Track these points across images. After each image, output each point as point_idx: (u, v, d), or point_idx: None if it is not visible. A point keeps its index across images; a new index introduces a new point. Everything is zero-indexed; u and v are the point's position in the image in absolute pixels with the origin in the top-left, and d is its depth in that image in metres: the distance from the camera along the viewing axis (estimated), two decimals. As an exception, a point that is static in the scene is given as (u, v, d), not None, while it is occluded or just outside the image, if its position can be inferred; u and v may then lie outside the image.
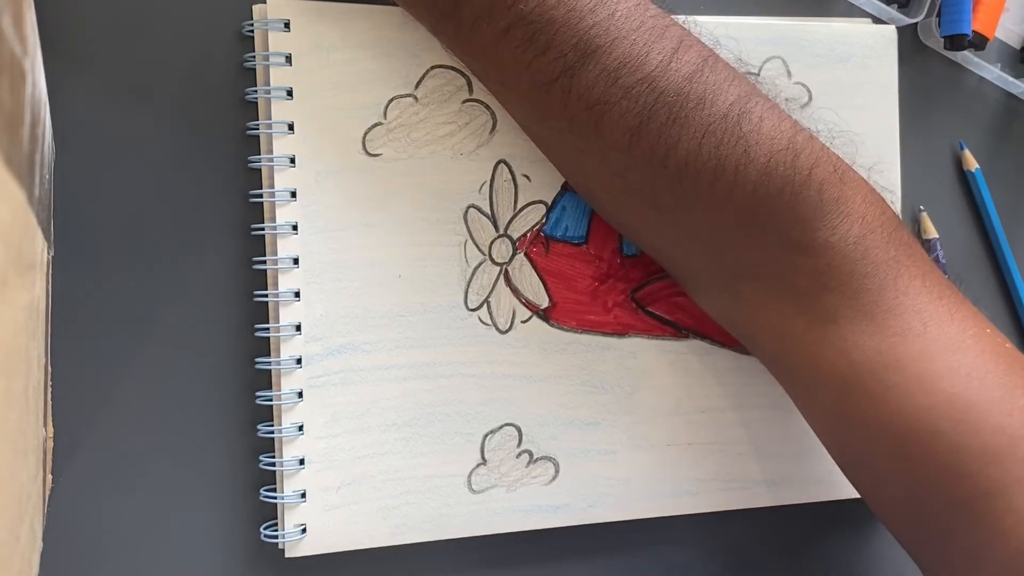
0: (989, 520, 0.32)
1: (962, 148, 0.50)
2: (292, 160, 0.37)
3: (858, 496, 0.45)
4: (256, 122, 0.37)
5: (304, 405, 0.37)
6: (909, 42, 0.48)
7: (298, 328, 0.37)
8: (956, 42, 0.47)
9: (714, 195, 0.32)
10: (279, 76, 0.37)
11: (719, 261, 0.35)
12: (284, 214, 0.37)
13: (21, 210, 0.24)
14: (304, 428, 0.37)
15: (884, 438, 0.33)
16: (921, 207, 0.49)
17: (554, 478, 0.40)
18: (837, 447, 0.37)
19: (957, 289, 0.35)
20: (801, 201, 0.32)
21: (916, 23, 0.48)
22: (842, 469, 0.37)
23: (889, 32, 0.46)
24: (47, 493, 0.35)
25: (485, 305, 0.39)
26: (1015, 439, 0.32)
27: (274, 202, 0.37)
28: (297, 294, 0.37)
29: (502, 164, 0.39)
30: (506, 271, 0.40)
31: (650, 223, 0.35)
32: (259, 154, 0.37)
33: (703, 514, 0.43)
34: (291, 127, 0.37)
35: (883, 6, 0.47)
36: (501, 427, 0.40)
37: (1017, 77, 0.51)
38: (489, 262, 0.40)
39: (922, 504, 0.34)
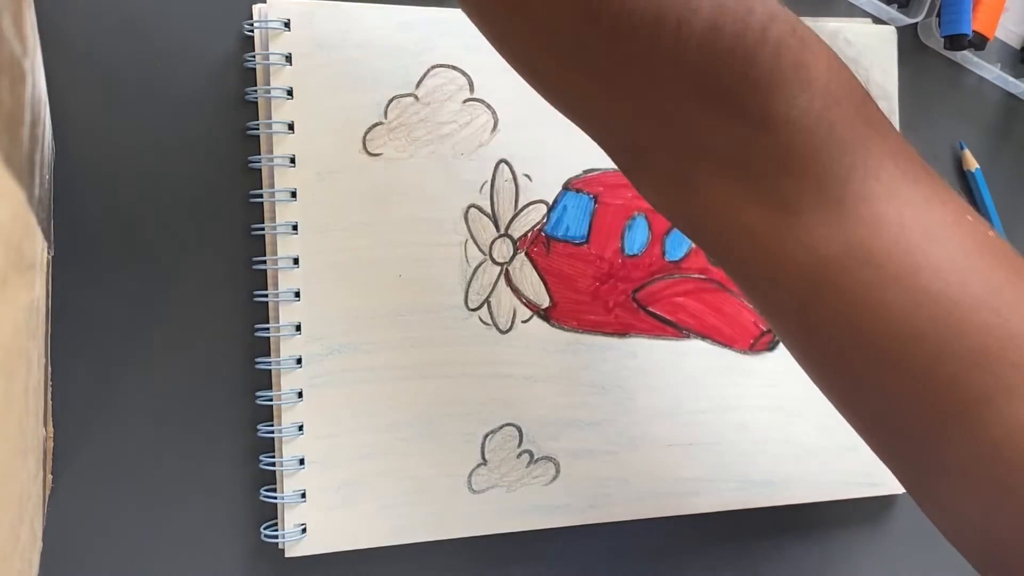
0: (977, 432, 0.28)
1: (962, 148, 0.50)
2: (292, 160, 0.37)
3: (858, 497, 0.45)
4: (256, 122, 0.37)
5: (304, 405, 0.37)
6: (909, 42, 0.48)
7: (298, 328, 0.37)
8: (956, 42, 0.47)
9: (655, 56, 0.28)
10: (279, 76, 0.37)
11: (665, 139, 0.30)
12: (284, 214, 0.37)
13: (21, 210, 0.24)
14: (304, 428, 0.37)
15: (859, 343, 0.30)
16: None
17: (554, 478, 0.40)
18: (805, 354, 0.33)
19: (933, 170, 0.31)
20: (755, 65, 0.28)
21: (916, 23, 0.48)
22: (812, 378, 0.34)
23: (889, 32, 0.46)
24: (47, 493, 0.35)
25: (486, 305, 0.39)
26: (1003, 340, 0.28)
27: (274, 202, 0.37)
28: (297, 294, 0.37)
29: (503, 164, 0.39)
30: (507, 271, 0.40)
31: (589, 96, 0.31)
32: (259, 154, 0.37)
33: (703, 514, 0.43)
34: (291, 127, 0.37)
35: (883, 6, 0.47)
36: (501, 427, 0.40)
37: (1017, 77, 0.51)
38: (490, 262, 0.40)
39: (902, 416, 0.30)
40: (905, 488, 0.33)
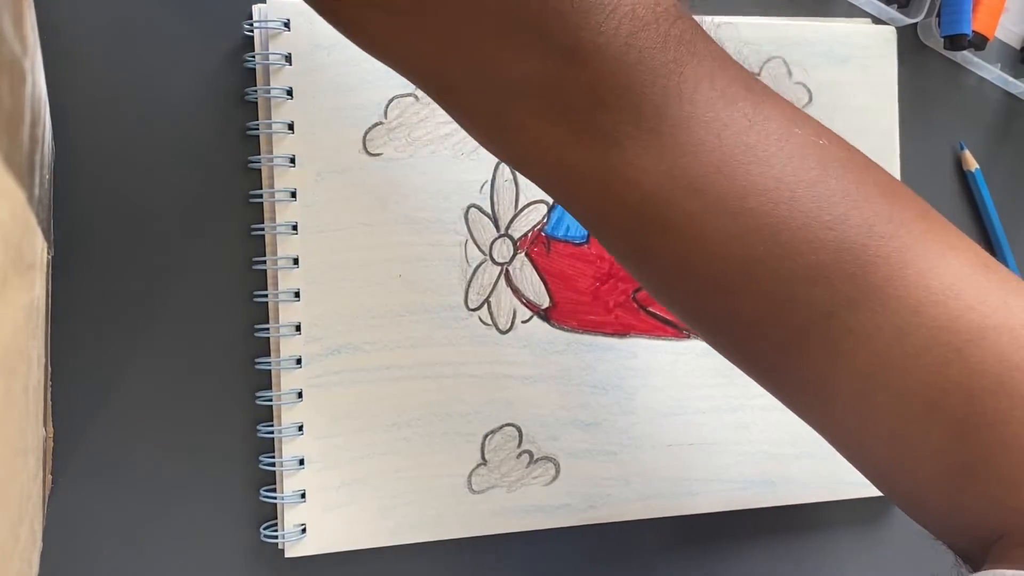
0: (828, 346, 0.28)
1: (962, 148, 0.50)
2: (292, 160, 0.37)
3: (859, 497, 0.45)
4: (256, 122, 0.37)
5: (304, 405, 0.37)
6: (909, 42, 0.48)
7: (298, 328, 0.37)
8: (956, 42, 0.47)
9: None
10: (279, 76, 0.36)
11: (475, 77, 0.29)
12: (284, 214, 0.37)
13: (21, 210, 0.24)
14: (304, 428, 0.37)
15: (696, 274, 0.29)
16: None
17: (554, 478, 0.40)
18: (652, 289, 0.32)
19: (756, 80, 0.30)
20: None
21: (916, 23, 0.48)
22: (665, 307, 0.33)
23: (889, 32, 0.46)
24: (47, 493, 0.35)
25: (486, 305, 0.39)
26: (838, 253, 0.28)
27: (274, 202, 0.37)
28: (297, 294, 0.37)
29: (503, 164, 0.39)
30: (507, 271, 0.40)
31: (391, 32, 0.29)
32: (259, 154, 0.37)
33: (703, 514, 0.43)
34: (291, 127, 0.37)
35: (883, 6, 0.47)
36: (501, 427, 0.40)
37: (1017, 77, 0.51)
38: (490, 262, 0.40)
39: (754, 338, 0.30)
40: (784, 404, 0.32)
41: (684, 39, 0.28)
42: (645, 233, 0.29)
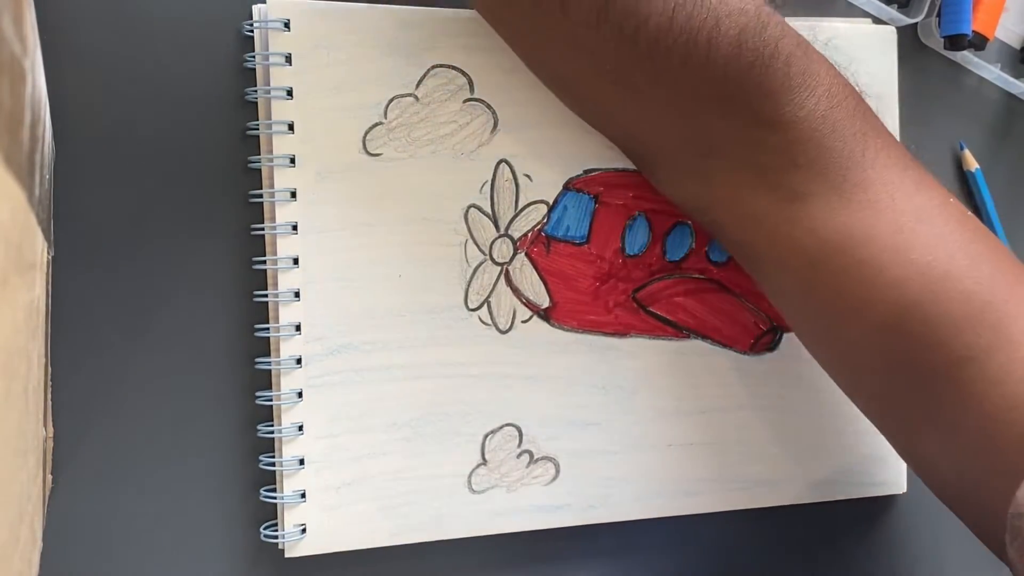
0: (962, 388, 0.32)
1: (962, 148, 0.50)
2: (292, 160, 0.37)
3: (859, 497, 0.45)
4: (256, 122, 0.37)
5: (304, 405, 0.37)
6: (909, 42, 0.48)
7: (298, 328, 0.37)
8: (956, 42, 0.47)
9: (686, 72, 0.32)
10: (279, 76, 0.36)
11: (687, 140, 0.34)
12: (284, 214, 0.37)
13: (21, 210, 0.24)
14: (304, 428, 0.37)
15: (857, 314, 0.33)
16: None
17: (554, 478, 0.40)
18: (808, 329, 0.36)
19: (918, 161, 0.35)
20: (770, 76, 0.31)
21: (916, 23, 0.48)
22: (812, 352, 0.37)
23: (889, 32, 0.46)
24: (47, 493, 0.35)
25: (485, 305, 0.39)
26: (984, 305, 0.32)
27: (274, 202, 0.37)
28: (297, 294, 0.37)
29: (503, 163, 0.39)
30: (507, 271, 0.40)
31: (620, 105, 0.34)
32: (259, 154, 0.37)
33: (703, 514, 0.43)
34: (291, 127, 0.37)
35: (883, 6, 0.47)
36: (501, 427, 0.40)
37: (1017, 77, 0.51)
38: (490, 262, 0.40)
39: (896, 377, 0.34)
40: (894, 447, 0.37)
41: (868, 116, 0.34)
42: (817, 276, 0.33)
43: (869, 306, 0.33)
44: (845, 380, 0.37)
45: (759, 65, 0.31)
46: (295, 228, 0.37)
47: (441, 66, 0.38)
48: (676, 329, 0.42)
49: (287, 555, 0.37)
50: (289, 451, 0.37)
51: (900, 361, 0.33)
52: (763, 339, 0.43)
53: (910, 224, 0.32)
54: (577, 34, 0.32)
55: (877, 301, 0.32)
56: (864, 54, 0.45)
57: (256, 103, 0.37)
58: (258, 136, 0.37)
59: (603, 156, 0.40)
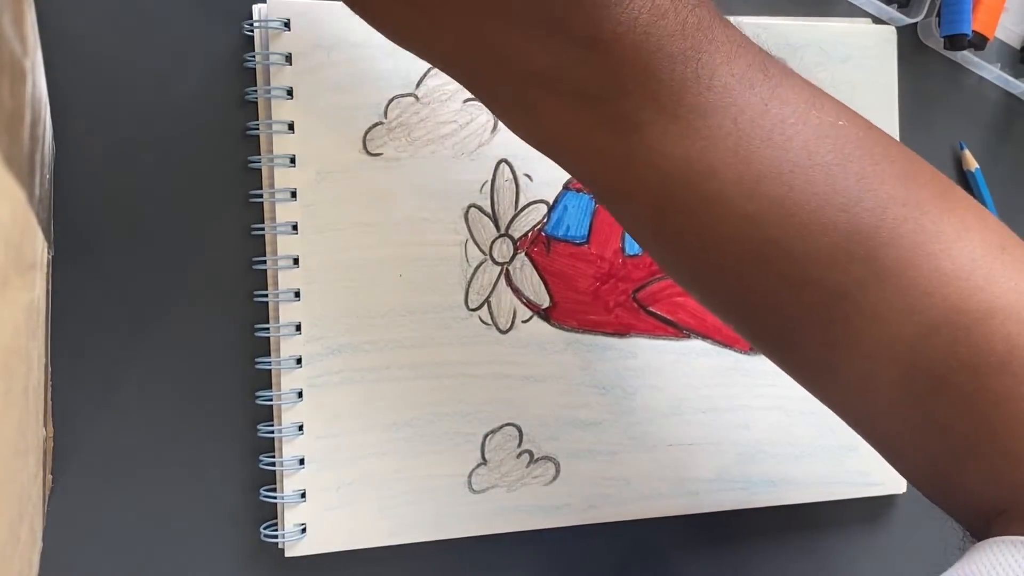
0: (837, 326, 0.29)
1: (962, 148, 0.50)
2: (292, 160, 0.37)
3: (858, 496, 0.45)
4: (256, 122, 0.37)
5: (304, 405, 0.37)
6: (909, 42, 0.48)
7: (298, 328, 0.37)
8: (956, 42, 0.47)
9: None
10: (279, 76, 0.36)
11: (503, 67, 0.30)
12: (284, 214, 0.37)
13: (21, 210, 0.24)
14: (304, 428, 0.37)
15: (712, 254, 0.30)
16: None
17: (554, 478, 0.40)
18: (666, 266, 0.33)
19: (775, 63, 0.30)
20: None
21: (916, 23, 0.48)
22: (680, 286, 0.34)
23: (889, 32, 0.46)
24: (47, 493, 0.35)
25: (486, 305, 0.39)
26: (851, 235, 0.28)
27: (274, 202, 0.37)
28: (297, 294, 0.37)
29: (503, 163, 0.39)
30: (507, 271, 0.40)
31: (416, 25, 0.30)
32: (259, 154, 0.37)
33: (703, 514, 0.43)
34: (291, 127, 0.37)
35: (883, 6, 0.47)
36: (501, 427, 0.40)
37: (1017, 77, 0.51)
38: (490, 262, 0.40)
39: (766, 317, 0.31)
40: (795, 380, 0.33)
41: (702, 26, 0.29)
42: (663, 213, 0.30)
43: (723, 245, 0.29)
44: (723, 319, 0.34)
45: None
46: (295, 228, 0.37)
47: (441, 66, 0.38)
48: (676, 329, 0.42)
49: (287, 555, 0.37)
50: (289, 451, 0.37)
51: (766, 304, 0.30)
52: (763, 339, 0.43)
53: (759, 150, 0.28)
54: None
55: (730, 239, 0.29)
56: (864, 54, 0.45)
57: (256, 103, 0.37)
58: (258, 136, 0.37)
59: (603, 156, 0.40)
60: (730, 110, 0.29)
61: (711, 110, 0.29)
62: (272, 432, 0.37)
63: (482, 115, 0.39)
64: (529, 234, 0.40)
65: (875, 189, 0.29)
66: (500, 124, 0.39)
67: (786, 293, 0.29)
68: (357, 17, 0.38)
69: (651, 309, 0.42)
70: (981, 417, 0.28)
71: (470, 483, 0.39)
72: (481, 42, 0.29)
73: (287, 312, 0.37)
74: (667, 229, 0.30)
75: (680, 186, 0.29)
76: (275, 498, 0.37)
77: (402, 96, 0.38)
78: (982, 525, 0.29)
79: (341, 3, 0.37)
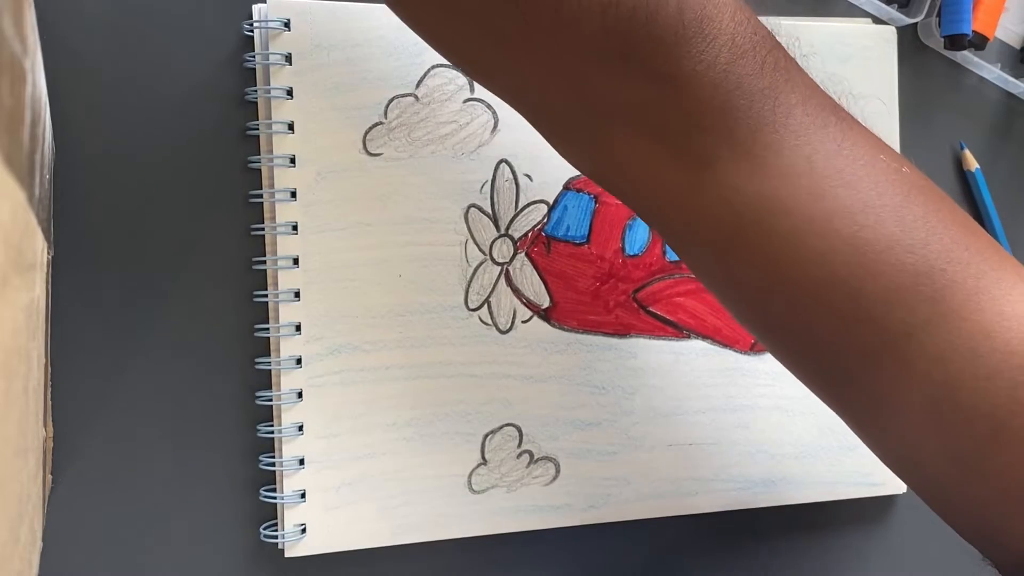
0: (900, 367, 0.29)
1: (962, 148, 0.50)
2: (292, 160, 0.37)
3: (858, 497, 0.45)
4: (256, 122, 0.37)
5: (304, 405, 0.37)
6: (909, 42, 0.48)
7: (298, 328, 0.37)
8: (956, 42, 0.47)
9: (560, 21, 0.28)
10: (279, 76, 0.36)
11: (578, 101, 0.30)
12: (284, 214, 0.37)
13: (21, 210, 0.24)
14: (304, 428, 0.37)
15: (779, 291, 0.30)
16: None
17: (554, 478, 0.40)
18: (730, 303, 0.33)
19: (845, 111, 0.31)
20: (658, 24, 0.28)
21: (916, 23, 0.48)
22: (741, 324, 0.34)
23: (889, 32, 0.46)
24: (47, 493, 0.35)
25: (486, 305, 0.39)
26: (918, 276, 0.29)
27: (274, 202, 0.37)
28: (297, 294, 0.37)
29: (503, 163, 0.39)
30: (507, 271, 0.40)
31: (498, 59, 0.31)
32: (259, 154, 0.37)
33: (703, 514, 0.43)
34: (291, 127, 0.37)
35: (883, 6, 0.47)
36: (501, 427, 0.40)
37: (1017, 77, 0.51)
38: (490, 262, 0.40)
39: (828, 354, 0.31)
40: (845, 422, 0.33)
41: (779, 66, 0.30)
42: (733, 250, 0.30)
43: (791, 282, 0.30)
44: (782, 358, 0.34)
45: (643, 13, 0.28)
46: (295, 228, 0.37)
47: (441, 66, 0.38)
48: (676, 329, 0.42)
49: (287, 555, 0.37)
50: (289, 451, 0.37)
51: (832, 341, 0.30)
52: (763, 339, 0.43)
53: (831, 189, 0.29)
54: None
55: (800, 278, 0.29)
56: (864, 54, 0.45)
57: (256, 103, 0.37)
58: (258, 136, 0.37)
59: (603, 156, 0.40)
60: (804, 149, 0.29)
61: (786, 148, 0.29)
62: (272, 432, 0.37)
63: (482, 115, 0.39)
64: (529, 234, 0.40)
65: (940, 233, 0.29)
66: (500, 124, 0.39)
67: (852, 332, 0.30)
68: (357, 17, 0.38)
69: (651, 309, 0.42)
70: None
71: (470, 483, 0.39)
72: (561, 77, 0.29)
73: (287, 312, 0.37)
74: (736, 266, 0.31)
75: (752, 223, 0.29)
76: (275, 498, 0.37)
77: (402, 96, 0.38)
78: None
79: (341, 4, 0.37)
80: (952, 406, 0.29)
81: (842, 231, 0.29)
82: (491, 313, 0.40)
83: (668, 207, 0.31)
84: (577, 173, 0.40)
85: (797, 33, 0.44)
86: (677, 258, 0.42)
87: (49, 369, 0.35)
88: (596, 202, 0.41)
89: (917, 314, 0.29)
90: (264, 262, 0.37)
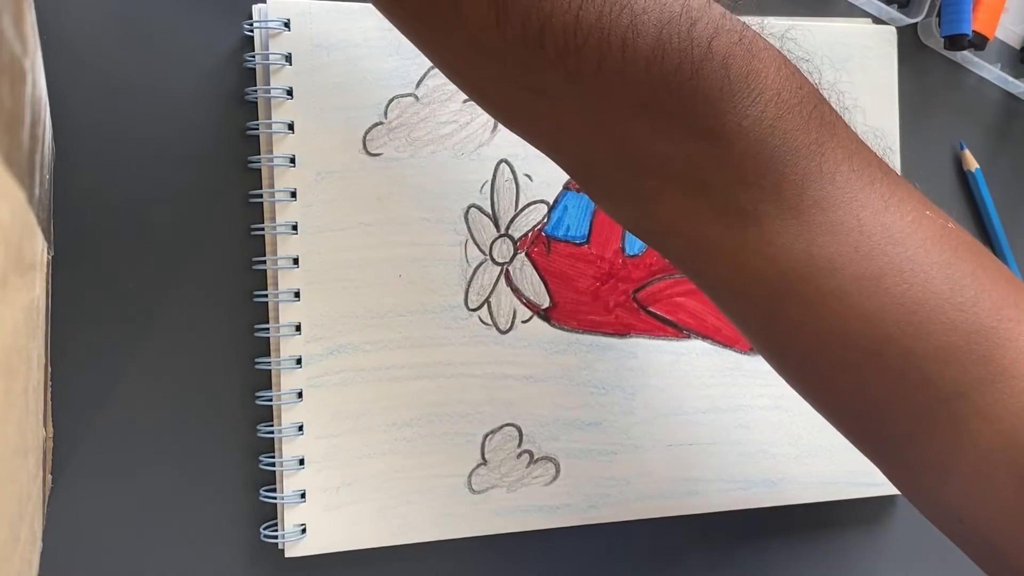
0: (953, 426, 0.29)
1: (962, 148, 0.50)
2: (292, 160, 0.37)
3: (858, 497, 0.45)
4: (256, 122, 0.37)
5: (304, 405, 0.37)
6: (909, 42, 0.48)
7: (298, 328, 0.37)
8: (956, 42, 0.47)
9: (602, 76, 0.28)
10: (279, 76, 0.37)
11: (620, 156, 0.30)
12: (284, 214, 0.37)
13: (21, 210, 0.24)
14: (304, 428, 0.37)
15: (828, 351, 0.30)
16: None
17: (554, 478, 0.40)
18: (777, 362, 0.33)
19: (890, 167, 0.31)
20: (704, 78, 0.27)
21: (916, 23, 0.48)
22: (787, 382, 0.34)
23: (889, 32, 0.46)
24: (47, 493, 0.35)
25: (486, 305, 0.39)
26: (970, 335, 0.29)
27: (274, 202, 0.37)
28: (297, 294, 0.37)
29: (503, 163, 0.39)
30: (507, 271, 0.40)
31: (537, 115, 0.30)
32: (259, 154, 0.37)
33: (703, 514, 0.43)
34: (291, 127, 0.37)
35: (883, 6, 0.47)
36: (501, 427, 0.40)
37: (1017, 77, 0.51)
38: (490, 262, 0.40)
39: (879, 415, 0.31)
40: (893, 483, 0.33)
41: (825, 121, 0.29)
42: (779, 309, 0.30)
43: (840, 342, 0.29)
44: (828, 418, 0.34)
45: (688, 68, 0.27)
46: (295, 228, 0.37)
47: (441, 66, 0.38)
48: (676, 329, 0.42)
49: (287, 555, 0.37)
50: (289, 451, 0.37)
51: (881, 401, 0.30)
52: (763, 339, 0.43)
53: (880, 247, 0.29)
54: (478, 36, 0.28)
55: (849, 336, 0.29)
56: (864, 54, 0.45)
57: (256, 103, 0.37)
58: (258, 136, 0.37)
59: (603, 156, 0.40)
60: (852, 206, 0.29)
61: (833, 205, 0.29)
62: (272, 432, 0.37)
63: (482, 115, 0.39)
64: (529, 234, 0.40)
65: (989, 290, 0.29)
66: (500, 124, 0.39)
67: (902, 393, 0.29)
68: (357, 17, 0.38)
69: (651, 309, 0.42)
70: None
71: (470, 483, 0.39)
72: (602, 131, 0.29)
73: (287, 312, 0.37)
74: (782, 325, 0.30)
75: (799, 281, 0.29)
76: (275, 498, 0.37)
77: (402, 96, 0.38)
78: None
79: (341, 4, 0.37)
80: (1006, 466, 0.29)
81: (892, 290, 0.29)
82: (491, 313, 0.40)
83: (712, 265, 0.30)
84: (577, 173, 0.40)
85: (798, 33, 0.44)
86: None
87: (49, 369, 0.35)
88: (596, 202, 0.41)
89: (970, 373, 0.29)
90: (264, 262, 0.37)
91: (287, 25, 0.36)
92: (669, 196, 0.29)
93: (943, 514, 0.32)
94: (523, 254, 0.40)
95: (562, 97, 0.29)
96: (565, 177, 0.40)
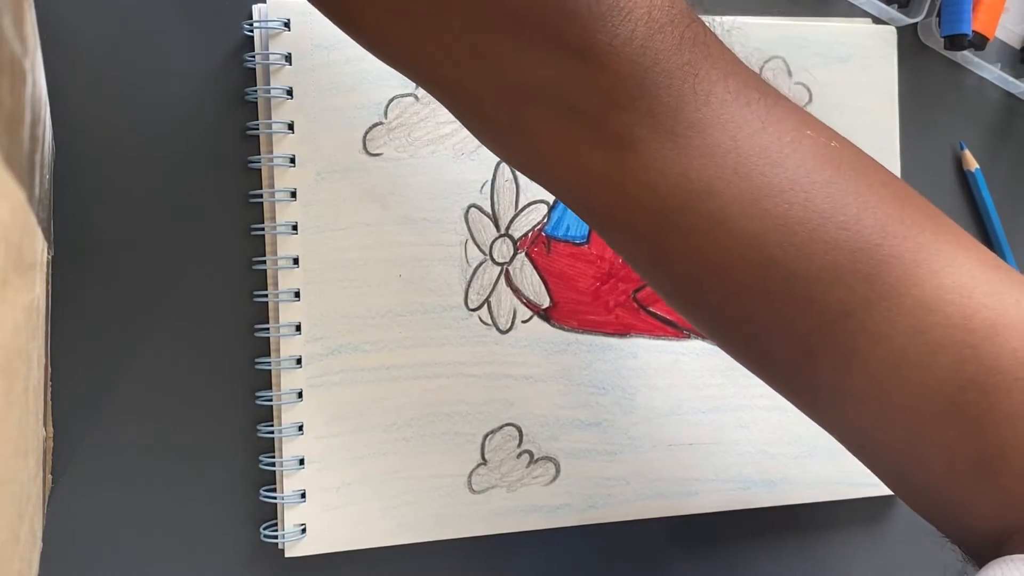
0: (842, 346, 0.29)
1: (962, 148, 0.50)
2: (292, 160, 0.37)
3: (858, 497, 0.45)
4: (256, 122, 0.37)
5: (304, 405, 0.37)
6: (909, 42, 0.48)
7: (298, 328, 0.37)
8: (956, 42, 0.47)
9: None
10: (279, 76, 0.37)
11: (493, 81, 0.28)
12: (284, 214, 0.37)
13: (21, 210, 0.24)
14: (304, 428, 0.37)
15: (713, 278, 0.29)
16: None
17: (554, 478, 0.40)
18: (665, 291, 0.32)
19: (769, 85, 0.30)
20: None
21: (916, 23, 0.48)
22: (678, 311, 0.33)
23: (889, 32, 0.46)
24: (47, 493, 0.35)
25: (486, 305, 0.39)
26: (854, 254, 0.28)
27: (274, 202, 0.37)
28: (297, 294, 0.37)
29: (503, 163, 0.39)
30: (507, 271, 0.40)
31: (406, 41, 0.29)
32: (259, 154, 0.37)
33: (703, 514, 0.43)
34: (291, 127, 0.37)
35: (883, 6, 0.47)
36: (501, 427, 0.40)
37: (1017, 77, 0.51)
38: (490, 262, 0.40)
39: (768, 340, 0.30)
40: (798, 408, 0.32)
41: (698, 41, 0.28)
42: (661, 236, 0.29)
43: (724, 268, 0.29)
44: (724, 347, 0.32)
45: None
46: (295, 228, 0.37)
47: (441, 66, 0.38)
48: (676, 329, 0.42)
49: (287, 555, 0.37)
50: (289, 451, 0.37)
51: (770, 325, 0.29)
52: (763, 339, 0.43)
53: (758, 168, 0.28)
54: None
55: (732, 261, 0.28)
56: (864, 54, 0.45)
57: (256, 103, 0.37)
58: (258, 136, 0.37)
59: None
60: (728, 127, 0.28)
61: (709, 127, 0.28)
62: (272, 432, 0.37)
63: (482, 115, 0.39)
64: (529, 234, 0.40)
65: (873, 208, 0.28)
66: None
67: (789, 315, 0.29)
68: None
69: (651, 309, 0.42)
70: (992, 438, 0.28)
71: (470, 483, 0.39)
72: (475, 56, 0.28)
73: (287, 312, 0.37)
74: (665, 252, 0.29)
75: (679, 208, 0.28)
76: (275, 498, 0.37)
77: (402, 96, 0.38)
78: (990, 547, 0.29)
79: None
80: (898, 384, 0.28)
81: (772, 211, 0.28)
82: (491, 313, 0.40)
83: (591, 193, 0.29)
84: (577, 173, 0.40)
85: (797, 33, 0.44)
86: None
87: (49, 369, 0.35)
88: (596, 202, 0.41)
89: (855, 292, 0.28)
90: (264, 262, 0.37)
91: (287, 25, 0.36)
92: (547, 125, 0.28)
93: (846, 437, 0.32)
94: (523, 254, 0.40)
95: (430, 20, 0.28)
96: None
